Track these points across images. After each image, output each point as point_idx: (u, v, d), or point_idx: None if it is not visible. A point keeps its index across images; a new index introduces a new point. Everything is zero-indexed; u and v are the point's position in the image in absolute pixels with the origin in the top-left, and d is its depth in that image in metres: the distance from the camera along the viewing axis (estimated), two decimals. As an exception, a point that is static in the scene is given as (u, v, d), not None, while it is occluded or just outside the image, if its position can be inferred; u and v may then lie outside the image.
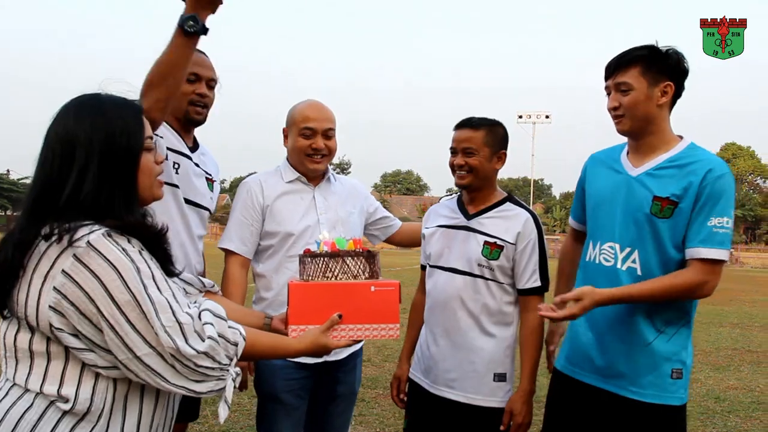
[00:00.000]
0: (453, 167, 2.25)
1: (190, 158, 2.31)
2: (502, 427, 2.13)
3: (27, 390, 1.23)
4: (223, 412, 1.30)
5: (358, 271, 1.62)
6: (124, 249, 1.21)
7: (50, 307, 1.19)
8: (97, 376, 1.24)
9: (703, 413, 4.86)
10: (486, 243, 2.18)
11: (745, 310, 12.34)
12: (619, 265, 1.96)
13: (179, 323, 1.23)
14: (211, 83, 2.33)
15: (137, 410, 1.29)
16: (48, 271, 1.20)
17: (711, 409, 4.98)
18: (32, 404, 1.21)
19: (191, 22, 1.73)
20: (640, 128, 1.95)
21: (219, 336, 1.28)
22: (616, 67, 1.95)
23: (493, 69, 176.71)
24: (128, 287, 1.19)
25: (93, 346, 1.22)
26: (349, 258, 1.62)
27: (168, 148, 2.17)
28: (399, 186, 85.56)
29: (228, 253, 2.34)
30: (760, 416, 4.86)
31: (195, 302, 1.36)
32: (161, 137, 2.10)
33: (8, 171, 55.28)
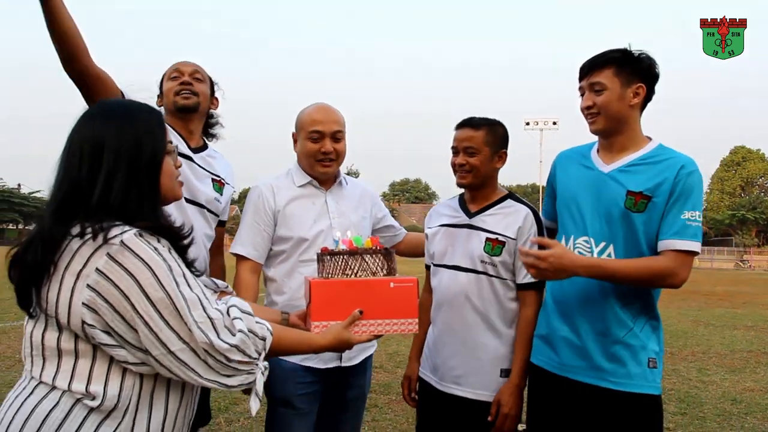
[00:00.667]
0: (454, 167, 2.29)
1: (191, 158, 2.35)
2: (489, 418, 2.16)
3: (54, 388, 1.25)
4: (254, 405, 1.33)
5: (376, 268, 1.67)
6: (155, 248, 1.25)
7: (83, 304, 1.21)
8: (125, 373, 1.26)
9: (719, 415, 4.82)
10: (488, 239, 2.21)
11: (759, 312, 12.24)
12: None
13: (210, 319, 1.26)
14: (195, 75, 2.41)
15: (163, 408, 1.31)
16: (81, 270, 1.22)
17: (728, 411, 4.94)
18: (58, 402, 1.23)
19: None
20: (613, 127, 2.02)
21: (248, 330, 1.31)
22: (590, 68, 2.03)
23: (499, 74, 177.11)
24: (162, 285, 1.22)
25: (124, 342, 1.24)
26: (368, 255, 1.67)
27: None
28: (408, 195, 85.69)
29: (240, 258, 2.31)
30: (778, 418, 4.83)
31: (221, 300, 1.39)
32: None
33: (19, 185, 55.91)
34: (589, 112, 2.03)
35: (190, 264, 1.37)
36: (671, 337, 8.39)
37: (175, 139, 2.29)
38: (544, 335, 2.12)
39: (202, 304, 1.27)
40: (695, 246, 1.89)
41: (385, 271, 1.67)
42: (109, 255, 1.21)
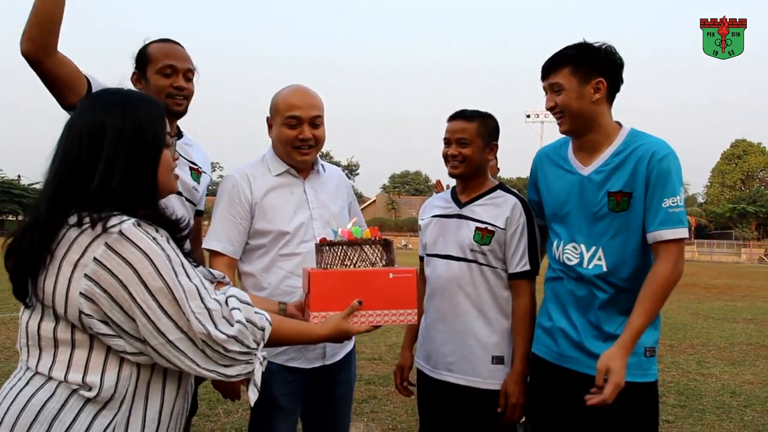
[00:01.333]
0: (446, 157, 2.32)
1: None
2: (499, 409, 2.19)
3: (50, 378, 1.24)
4: (252, 395, 1.34)
5: (375, 259, 1.67)
6: (154, 238, 1.24)
7: (81, 293, 1.20)
8: (121, 363, 1.25)
9: (719, 408, 4.83)
10: (477, 229, 2.25)
11: (758, 305, 12.28)
12: (585, 265, 2.02)
13: (208, 309, 1.26)
14: (188, 74, 2.27)
15: (159, 398, 1.30)
16: (79, 259, 1.21)
17: (727, 404, 4.95)
18: (54, 393, 1.22)
19: None
20: (581, 126, 2.01)
21: (247, 321, 1.31)
22: (548, 68, 2.02)
23: (500, 67, 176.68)
24: (160, 274, 1.21)
25: (122, 332, 1.23)
26: (367, 246, 1.66)
27: None
28: (408, 187, 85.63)
29: (213, 254, 2.16)
30: (777, 410, 4.83)
31: (219, 290, 1.38)
32: None
33: (19, 176, 55.82)
34: (553, 112, 2.03)
35: (188, 254, 1.36)
36: (671, 329, 8.41)
37: None
38: (547, 327, 2.13)
39: (200, 295, 1.26)
40: (682, 233, 1.89)
41: (384, 262, 1.67)
42: (107, 245, 1.20)
